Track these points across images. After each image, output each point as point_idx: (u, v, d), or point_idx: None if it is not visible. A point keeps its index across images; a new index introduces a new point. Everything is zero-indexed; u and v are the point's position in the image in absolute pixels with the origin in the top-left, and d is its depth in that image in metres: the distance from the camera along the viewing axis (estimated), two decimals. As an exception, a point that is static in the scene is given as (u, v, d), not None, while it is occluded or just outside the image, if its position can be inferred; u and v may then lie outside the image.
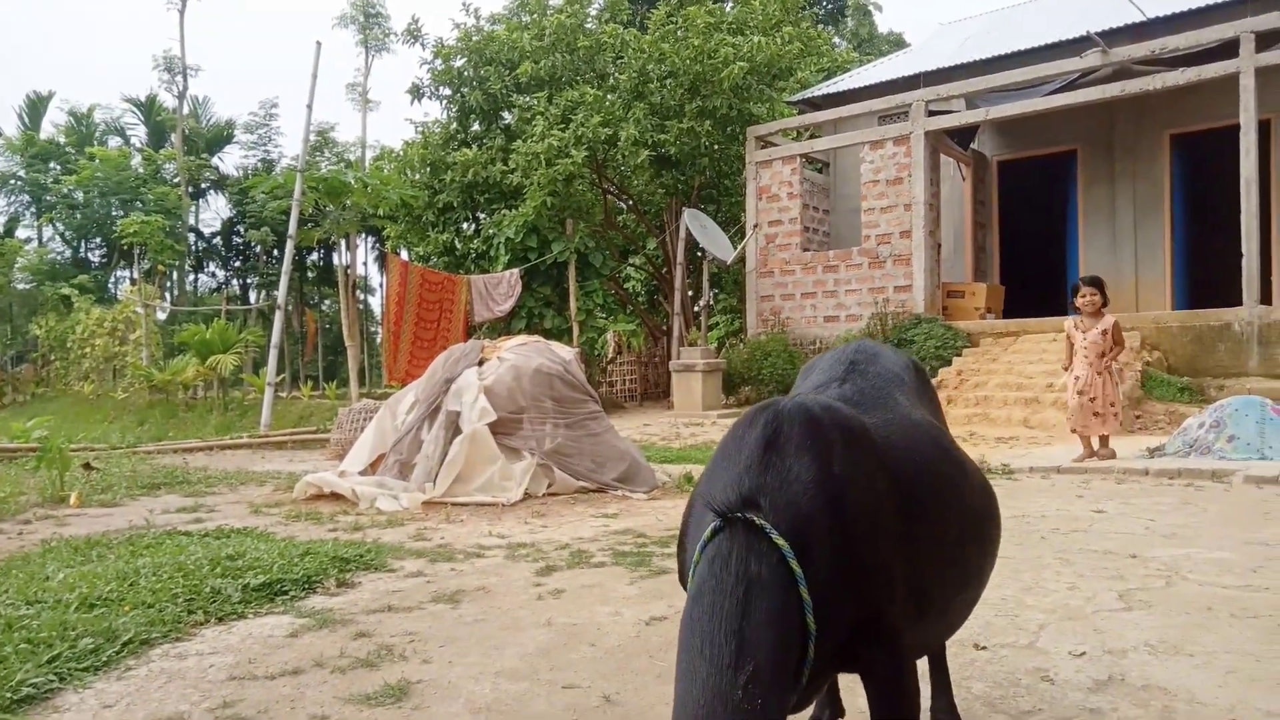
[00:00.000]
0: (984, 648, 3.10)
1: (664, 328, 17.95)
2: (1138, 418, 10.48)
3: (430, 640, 3.33)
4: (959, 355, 12.53)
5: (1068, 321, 7.73)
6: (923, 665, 2.21)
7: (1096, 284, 7.45)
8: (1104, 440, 7.78)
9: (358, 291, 26.17)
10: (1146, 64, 12.37)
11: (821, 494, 1.57)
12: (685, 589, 1.61)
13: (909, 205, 13.92)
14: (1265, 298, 11.45)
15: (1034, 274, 15.63)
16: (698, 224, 14.52)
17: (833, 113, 15.44)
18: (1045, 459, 8.01)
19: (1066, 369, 7.92)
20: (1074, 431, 7.91)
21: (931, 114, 13.88)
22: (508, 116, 17.88)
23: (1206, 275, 13.92)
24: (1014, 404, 10.73)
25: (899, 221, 14.05)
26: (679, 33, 15.40)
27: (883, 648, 1.68)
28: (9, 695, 2.67)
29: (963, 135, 15.01)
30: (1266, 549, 4.49)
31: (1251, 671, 2.80)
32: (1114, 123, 14.02)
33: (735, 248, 15.35)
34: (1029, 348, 12.12)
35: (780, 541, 1.48)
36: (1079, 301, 7.42)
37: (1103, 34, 12.52)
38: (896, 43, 33.03)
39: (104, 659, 3.07)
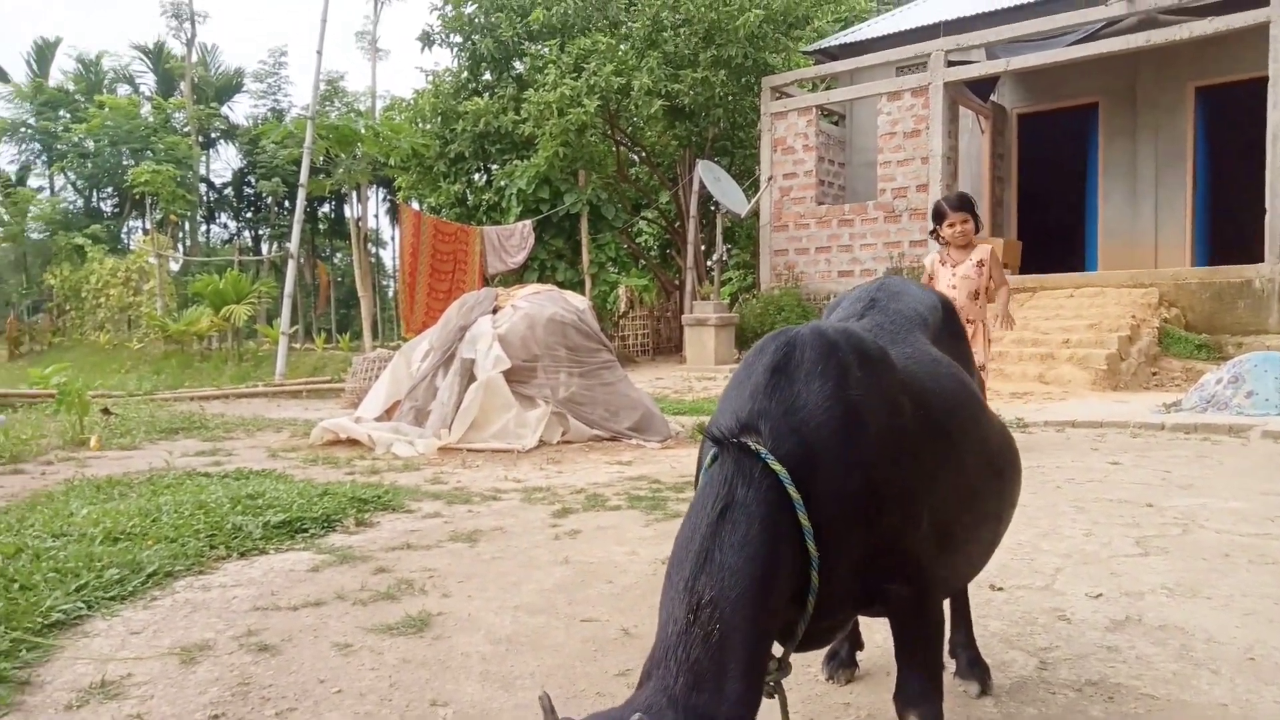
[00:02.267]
0: (1000, 589, 3.11)
1: (676, 282, 17.88)
2: (1154, 374, 10.43)
3: (449, 576, 3.37)
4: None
5: (929, 258, 5.89)
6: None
7: (966, 206, 5.50)
8: None
9: (369, 244, 26.13)
10: (1172, 14, 12.08)
11: (832, 418, 1.52)
12: None
13: (926, 158, 13.73)
14: (1287, 254, 11.31)
15: (1052, 229, 15.45)
16: (711, 176, 14.37)
17: (850, 63, 15.17)
18: (1060, 413, 7.99)
19: None
20: None
21: (950, 65, 13.62)
22: (519, 65, 17.64)
23: (1228, 231, 13.73)
24: (1029, 359, 10.68)
25: (915, 175, 13.87)
26: (694, -21, 15.09)
27: (906, 579, 1.64)
28: (40, 620, 2.72)
29: (982, 87, 14.73)
30: (1283, 499, 4.48)
31: (1270, 614, 2.81)
32: (1137, 74, 13.73)
33: (749, 201, 15.21)
34: (1045, 303, 12.02)
35: (775, 465, 1.42)
36: (945, 231, 5.48)
37: (1130, -18, 12.21)
38: (916, -7, 32.30)
39: (130, 589, 3.12)
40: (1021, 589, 3.12)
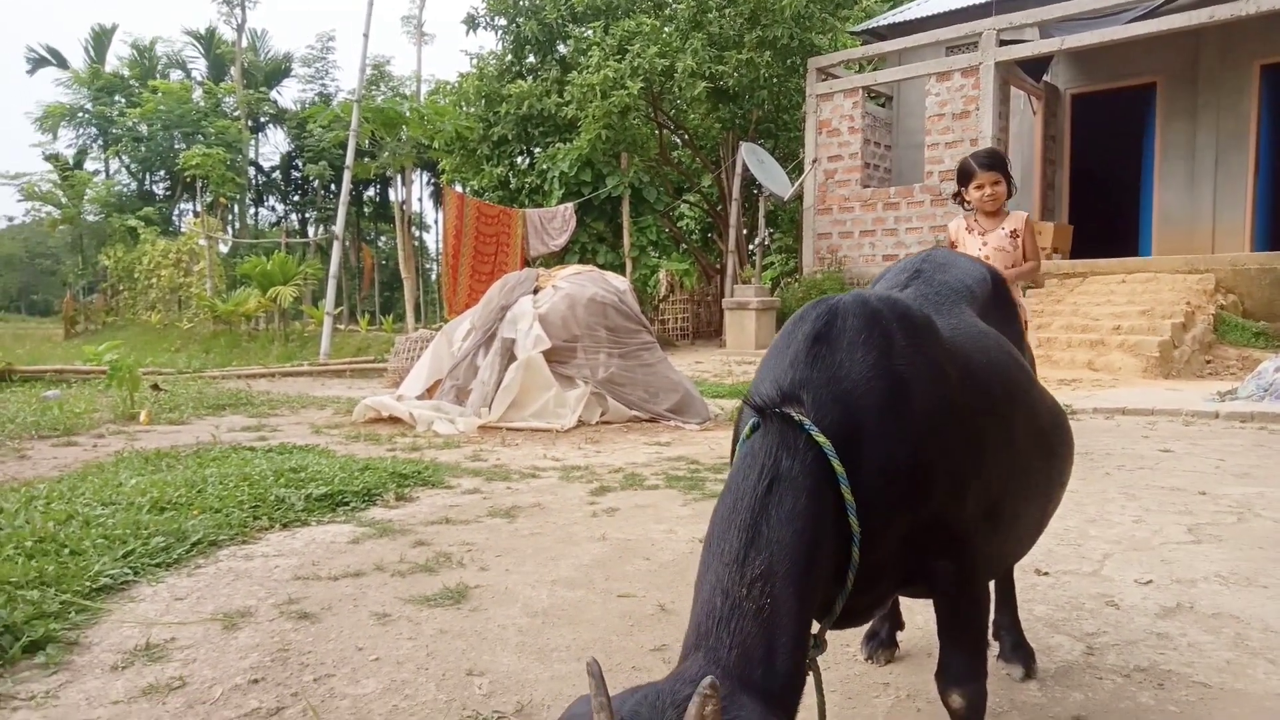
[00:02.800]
0: (1046, 574, 3.04)
1: (717, 266, 17.77)
2: (1208, 362, 10.13)
3: (487, 550, 3.38)
4: (1022, 296, 12.16)
5: (953, 224, 4.99)
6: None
7: (998, 164, 4.63)
8: None
9: (413, 227, 26.36)
10: (1238, -11, 11.65)
11: (875, 388, 1.47)
12: None
13: (975, 140, 13.43)
14: (1354, 239, 10.89)
15: (1105, 213, 15.05)
16: (755, 159, 14.23)
17: (898, 43, 14.88)
18: (1110, 400, 7.79)
19: None
20: None
21: (1002, 44, 13.29)
22: (563, 48, 17.61)
23: (1290, 216, 13.27)
24: (1078, 346, 10.44)
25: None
26: (740, -41, 14.91)
27: (951, 556, 1.59)
28: (89, 584, 2.78)
29: (1034, 66, 14.36)
30: (1346, 490, 4.32)
31: (1330, 604, 2.70)
32: (1199, 53, 13.28)
33: (793, 184, 15.04)
34: (1096, 289, 11.73)
35: (820, 438, 1.38)
36: (973, 194, 4.60)
37: (1192, -44, 11.80)
38: (967, -28, 31.59)
39: (175, 556, 3.17)
40: (1068, 574, 3.05)
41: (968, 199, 4.67)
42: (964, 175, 4.63)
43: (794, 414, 1.41)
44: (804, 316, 1.58)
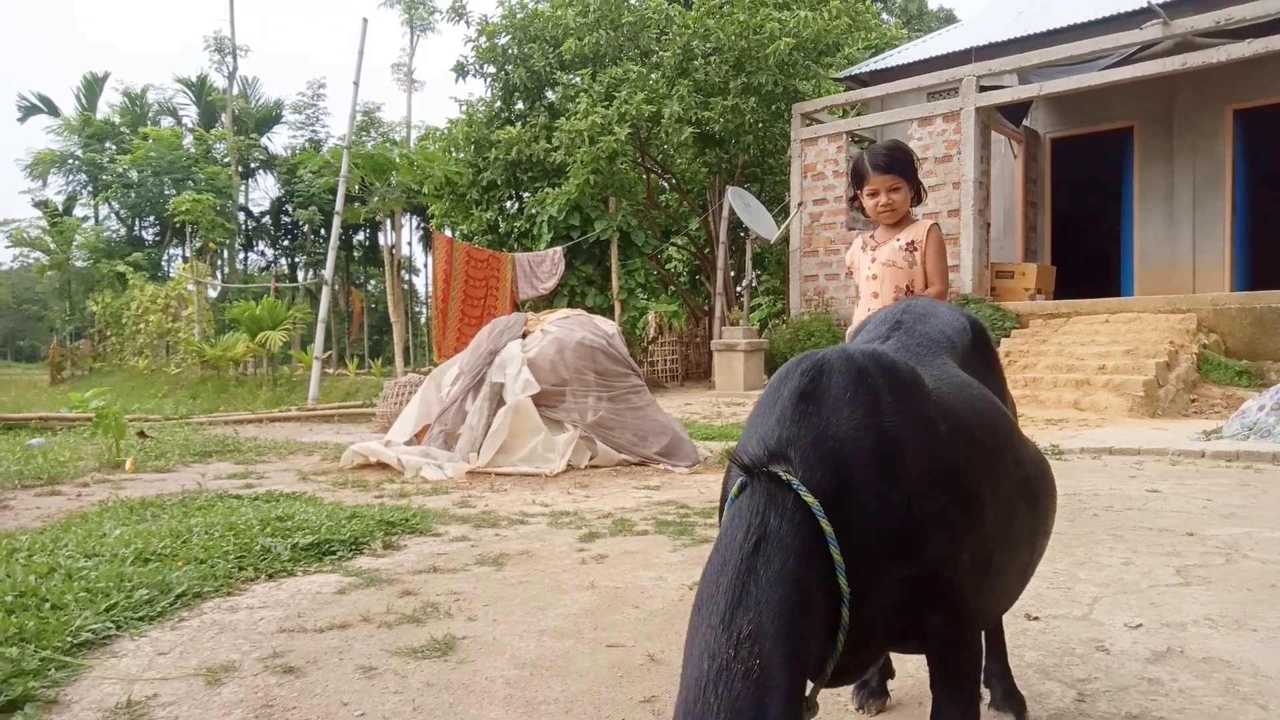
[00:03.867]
0: (1036, 618, 3.03)
1: (706, 308, 17.87)
2: (1193, 401, 10.21)
3: (475, 600, 3.35)
4: (1007, 336, 12.29)
5: (855, 243, 4.04)
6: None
7: (898, 164, 3.56)
8: None
9: (403, 271, 26.43)
10: (1209, 36, 11.95)
11: (864, 446, 1.46)
12: None
13: (958, 183, 13.64)
14: (1331, 279, 11.06)
15: (1087, 254, 15.26)
16: (741, 202, 14.39)
17: (880, 89, 15.17)
18: (1097, 440, 7.83)
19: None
20: None
21: (982, 89, 13.57)
22: (551, 94, 17.85)
23: (1269, 256, 13.47)
24: (1064, 386, 10.50)
25: (947, 200, 13.78)
26: (724, 8, 15.23)
27: (943, 611, 1.58)
28: (70, 639, 2.74)
29: (1015, 112, 14.66)
30: (1332, 529, 4.34)
31: (1319, 647, 2.70)
32: (1174, 98, 13.58)
33: (779, 226, 15.20)
34: (1080, 329, 11.84)
35: (808, 497, 1.37)
36: (866, 202, 3.65)
37: (1164, 4, 12.10)
38: (946, 19, 32.35)
39: (158, 609, 3.13)
40: (1058, 618, 3.04)
41: (865, 206, 3.66)
42: (857, 178, 3.61)
43: (781, 473, 1.40)
44: (789, 373, 1.57)
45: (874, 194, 3.58)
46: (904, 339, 2.02)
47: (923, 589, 1.53)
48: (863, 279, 3.93)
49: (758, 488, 1.40)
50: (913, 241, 3.71)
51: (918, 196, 3.63)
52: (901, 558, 1.48)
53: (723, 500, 1.63)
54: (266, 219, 36.13)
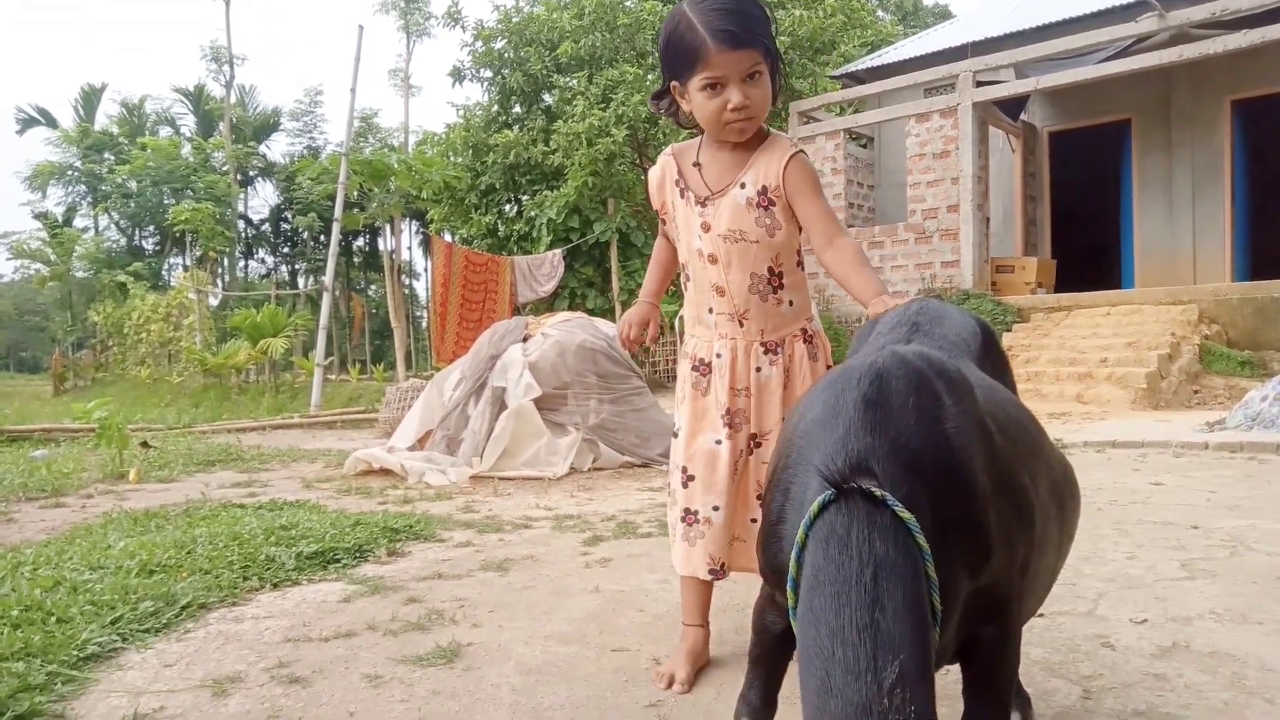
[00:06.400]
0: (1042, 615, 3.03)
1: (707, 307, 17.86)
2: (1196, 392, 10.20)
3: (480, 606, 3.35)
4: (1009, 331, 12.29)
5: (661, 172, 2.44)
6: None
7: (757, 33, 2.14)
8: None
9: (403, 276, 26.46)
10: (1206, 27, 11.94)
11: (938, 453, 1.37)
12: (778, 583, 1.40)
13: (956, 179, 13.64)
14: (1332, 268, 11.05)
15: (1087, 247, 15.25)
16: (740, 201, 14.36)
17: (877, 86, 15.17)
18: (1100, 433, 7.83)
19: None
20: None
21: (979, 85, 13.56)
22: (548, 97, 17.88)
23: (1269, 246, 13.46)
24: (1066, 379, 10.50)
25: (946, 195, 13.78)
26: (720, 8, 15.22)
27: (997, 621, 1.50)
28: (76, 653, 2.74)
29: (1012, 106, 14.65)
30: (1337, 520, 4.33)
31: (1325, 639, 2.70)
32: (1171, 90, 13.58)
33: (778, 225, 15.18)
34: (1082, 322, 11.84)
35: (904, 514, 1.26)
36: (702, 100, 2.18)
37: (1160, -3, 12.11)
38: (942, 15, 32.35)
39: (164, 621, 3.13)
40: (1063, 615, 3.04)
41: (687, 109, 2.27)
42: (679, 58, 2.18)
43: (875, 490, 1.28)
44: (847, 380, 1.45)
45: (716, 85, 2.17)
46: (926, 341, 1.89)
47: (985, 600, 1.46)
48: (690, 253, 2.47)
49: (852, 507, 1.28)
50: (765, 190, 2.26)
51: (776, 86, 2.28)
52: (975, 567, 1.41)
53: (774, 518, 1.54)
54: (266, 226, 36.17)
